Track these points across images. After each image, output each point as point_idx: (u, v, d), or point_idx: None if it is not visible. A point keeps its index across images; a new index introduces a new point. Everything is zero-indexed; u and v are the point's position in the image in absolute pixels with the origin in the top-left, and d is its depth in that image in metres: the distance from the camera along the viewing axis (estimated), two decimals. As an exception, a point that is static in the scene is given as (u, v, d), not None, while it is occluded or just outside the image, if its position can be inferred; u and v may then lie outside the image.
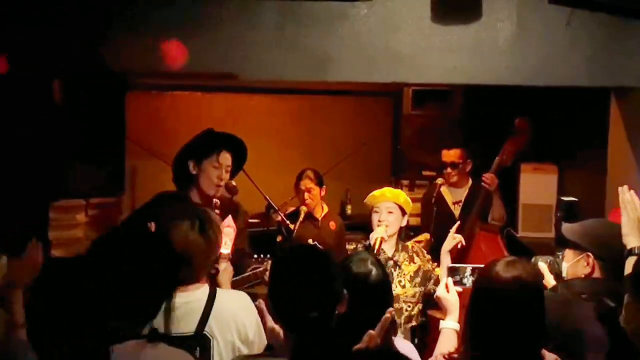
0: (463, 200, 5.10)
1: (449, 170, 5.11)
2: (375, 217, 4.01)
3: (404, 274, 3.99)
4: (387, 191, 4.07)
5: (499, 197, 4.96)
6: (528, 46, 4.22)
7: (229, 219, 3.52)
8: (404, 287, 3.99)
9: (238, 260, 3.63)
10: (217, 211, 3.61)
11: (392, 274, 3.92)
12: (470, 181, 5.18)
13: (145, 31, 4.06)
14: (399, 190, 4.21)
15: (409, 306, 3.99)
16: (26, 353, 1.97)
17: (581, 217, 3.21)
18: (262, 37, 4.12)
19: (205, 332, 2.51)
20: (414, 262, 4.04)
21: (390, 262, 3.96)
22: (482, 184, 4.83)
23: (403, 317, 3.97)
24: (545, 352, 2.26)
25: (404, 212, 4.04)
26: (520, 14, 4.19)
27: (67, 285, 1.92)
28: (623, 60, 4.24)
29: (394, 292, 3.84)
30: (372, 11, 4.15)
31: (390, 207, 3.99)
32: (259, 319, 2.47)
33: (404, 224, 4.08)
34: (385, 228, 3.91)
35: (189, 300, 2.49)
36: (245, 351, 2.58)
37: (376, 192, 4.07)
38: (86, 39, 4.01)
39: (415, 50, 4.18)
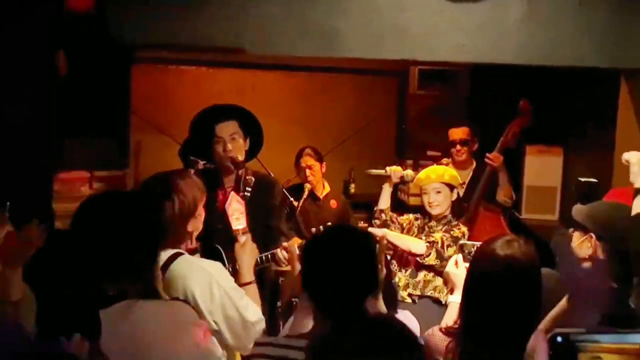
0: (467, 182, 4.96)
1: (458, 147, 4.99)
2: (425, 199, 4.18)
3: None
4: (431, 172, 4.21)
5: (506, 175, 4.87)
6: (537, 26, 4.18)
7: (233, 195, 3.49)
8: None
9: (268, 238, 3.61)
10: (248, 188, 3.62)
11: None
12: (474, 163, 5.06)
13: (152, 4, 4.03)
14: (443, 167, 4.31)
15: None
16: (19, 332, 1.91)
17: (599, 199, 3.19)
18: (269, 12, 4.08)
19: None
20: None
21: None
22: (487, 161, 4.75)
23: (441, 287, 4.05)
24: None
25: (452, 188, 4.19)
26: (530, -7, 4.15)
27: (54, 253, 1.92)
28: (633, 42, 4.21)
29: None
30: (381, -13, 4.11)
31: (437, 187, 4.14)
32: (225, 289, 2.49)
33: (454, 197, 4.23)
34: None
35: None
36: None
37: (421, 174, 4.23)
38: (90, 9, 3.97)
39: (423, 28, 4.15)
